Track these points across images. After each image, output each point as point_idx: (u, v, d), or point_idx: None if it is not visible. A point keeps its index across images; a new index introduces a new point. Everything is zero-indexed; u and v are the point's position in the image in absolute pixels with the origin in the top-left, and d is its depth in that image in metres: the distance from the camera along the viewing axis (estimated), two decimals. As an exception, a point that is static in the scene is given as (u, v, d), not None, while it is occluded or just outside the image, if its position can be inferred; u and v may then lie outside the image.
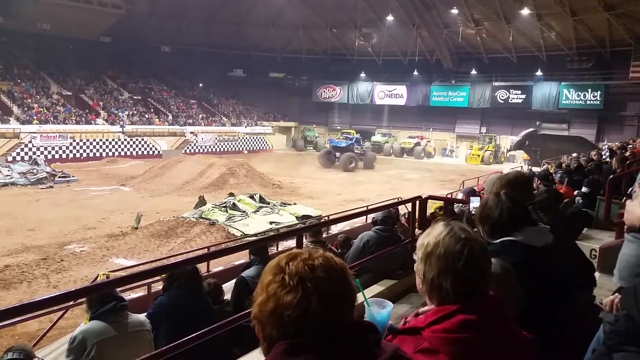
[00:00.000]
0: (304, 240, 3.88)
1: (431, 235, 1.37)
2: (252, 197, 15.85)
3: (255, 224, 13.61)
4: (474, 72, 41.07)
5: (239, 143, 40.95)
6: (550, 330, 1.76)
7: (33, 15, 33.50)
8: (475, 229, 1.86)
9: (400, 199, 11.10)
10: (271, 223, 13.88)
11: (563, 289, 2.02)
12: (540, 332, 1.47)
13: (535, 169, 18.89)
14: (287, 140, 46.12)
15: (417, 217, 4.28)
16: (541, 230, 2.07)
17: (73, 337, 3.08)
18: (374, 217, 4.67)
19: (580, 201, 6.26)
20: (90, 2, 35.41)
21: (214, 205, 14.75)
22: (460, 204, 6.30)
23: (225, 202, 14.92)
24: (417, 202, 4.16)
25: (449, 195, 12.71)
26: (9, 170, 22.11)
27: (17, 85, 33.33)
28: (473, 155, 38.19)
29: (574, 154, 17.53)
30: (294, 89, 48.49)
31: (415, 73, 43.10)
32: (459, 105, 42.13)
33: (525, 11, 33.24)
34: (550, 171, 10.07)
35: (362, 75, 46.23)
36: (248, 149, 41.23)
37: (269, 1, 39.72)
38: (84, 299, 3.23)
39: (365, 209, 9.37)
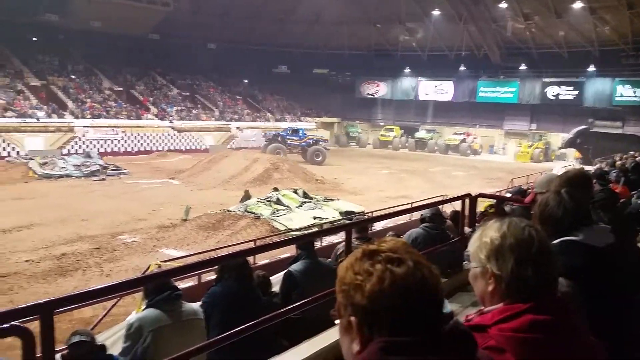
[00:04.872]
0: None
1: (491, 232, 1.33)
2: (295, 192, 15.98)
3: (298, 219, 13.70)
4: (523, 67, 39.88)
5: (283, 138, 41.27)
6: (612, 335, 1.71)
7: (86, 14, 34.85)
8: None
9: (445, 197, 10.95)
10: (314, 218, 13.95)
11: (624, 292, 1.94)
12: (601, 336, 1.43)
13: (588, 168, 18.18)
14: (330, 136, 46.16)
15: (466, 215, 4.21)
16: (602, 230, 2.00)
17: (130, 324, 3.21)
18: (422, 215, 4.62)
19: (639, 201, 5.98)
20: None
21: (258, 200, 14.94)
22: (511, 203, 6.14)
23: (269, 197, 15.09)
24: (467, 200, 4.09)
25: (498, 194, 12.39)
26: (64, 163, 23.14)
27: (71, 81, 34.86)
28: (522, 152, 37.16)
29: (631, 152, 16.76)
30: (337, 85, 48.49)
31: (462, 68, 42.26)
32: (508, 101, 41.01)
33: (578, 5, 31.95)
34: (606, 170, 9.65)
35: (407, 70, 45.65)
36: (292, 144, 41.49)
37: (311, -1, 39.85)
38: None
39: (409, 206, 9.30)
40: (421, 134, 42.89)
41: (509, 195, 9.15)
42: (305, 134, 32.59)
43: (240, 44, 43.15)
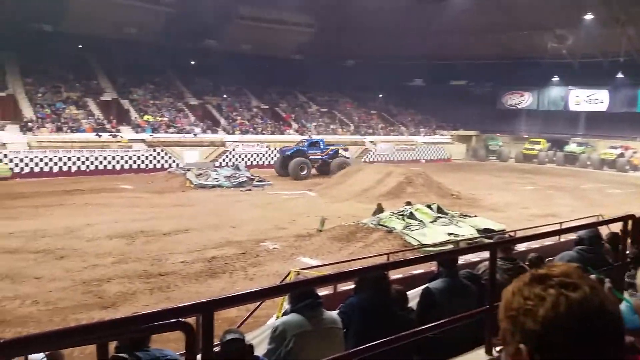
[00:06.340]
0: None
1: None
2: (429, 206, 15.58)
3: (432, 235, 13.34)
4: (696, 72, 34.72)
5: (417, 152, 40.82)
6: None
7: (237, 38, 38.18)
8: None
9: (600, 217, 9.90)
10: (449, 234, 13.48)
11: None
12: None
13: None
14: (467, 150, 44.54)
15: (628, 239, 3.78)
16: None
17: (275, 327, 3.40)
18: (579, 236, 4.24)
19: None
20: (286, 22, 38.97)
21: (391, 213, 14.82)
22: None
23: (402, 211, 14.90)
24: (630, 221, 3.67)
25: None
26: (216, 174, 25.23)
27: (224, 101, 38.38)
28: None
29: None
30: (475, 97, 46.60)
31: (620, 75, 37.99)
32: (676, 111, 36.00)
33: None
34: None
35: (555, 79, 42.41)
36: (425, 158, 40.84)
37: (452, 8, 38.90)
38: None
39: (559, 226, 8.58)
40: (572, 147, 39.26)
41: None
42: (327, 146, 29.85)
43: (377, 59, 43.65)
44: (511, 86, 44.85)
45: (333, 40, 41.30)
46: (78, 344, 1.92)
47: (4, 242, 12.91)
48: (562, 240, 8.34)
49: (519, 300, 0.97)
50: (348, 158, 30.19)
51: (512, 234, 10.46)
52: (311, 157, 28.50)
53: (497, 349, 0.95)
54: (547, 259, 5.02)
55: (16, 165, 25.31)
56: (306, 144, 29.42)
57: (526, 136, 43.31)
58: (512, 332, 0.97)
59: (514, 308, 0.98)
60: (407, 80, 46.82)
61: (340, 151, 29.97)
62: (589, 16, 34.98)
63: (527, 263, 5.00)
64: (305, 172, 27.42)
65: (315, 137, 32.35)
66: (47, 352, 2.47)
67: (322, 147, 29.41)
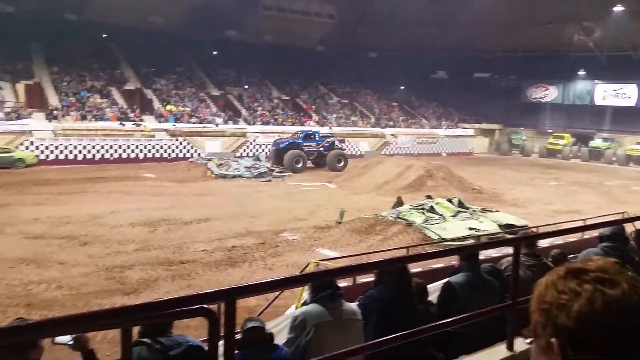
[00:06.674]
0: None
1: None
2: (450, 200, 15.47)
3: (453, 229, 13.24)
4: None
5: (438, 145, 40.44)
6: None
7: (259, 28, 38.20)
8: None
9: (625, 214, 9.70)
10: (470, 229, 13.36)
11: None
12: None
13: None
14: (490, 144, 43.97)
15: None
16: None
17: (295, 316, 3.42)
18: (601, 233, 4.17)
19: None
20: (308, 13, 38.83)
21: (411, 207, 14.76)
22: None
23: (422, 204, 14.83)
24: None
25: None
26: (237, 164, 25.46)
27: (245, 91, 38.51)
28: None
29: None
30: (499, 90, 45.96)
31: (650, 69, 37.07)
32: None
33: None
34: None
35: (581, 73, 41.52)
36: (447, 151, 40.44)
37: (476, 1, 38.22)
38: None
39: (582, 223, 8.43)
40: (597, 142, 38.50)
41: None
42: (322, 138, 28.70)
43: (399, 51, 43.23)
44: (536, 79, 44.09)
45: (355, 32, 41.02)
46: (103, 327, 1.96)
47: (29, 228, 13.23)
48: (585, 237, 8.21)
49: (553, 293, 0.95)
50: (344, 150, 29.72)
51: (534, 229, 10.31)
52: (306, 149, 27.55)
53: (527, 340, 0.91)
54: (571, 256, 4.95)
55: (42, 152, 25.90)
56: (301, 135, 28.30)
57: (550, 131, 42.59)
58: (543, 325, 0.95)
59: (546, 301, 0.96)
60: (430, 72, 46.25)
61: (337, 143, 29.17)
62: (617, 8, 34.06)
63: (549, 259, 4.93)
64: (300, 164, 26.60)
65: (311, 129, 31.38)
66: (73, 335, 2.53)
67: (317, 139, 28.44)
